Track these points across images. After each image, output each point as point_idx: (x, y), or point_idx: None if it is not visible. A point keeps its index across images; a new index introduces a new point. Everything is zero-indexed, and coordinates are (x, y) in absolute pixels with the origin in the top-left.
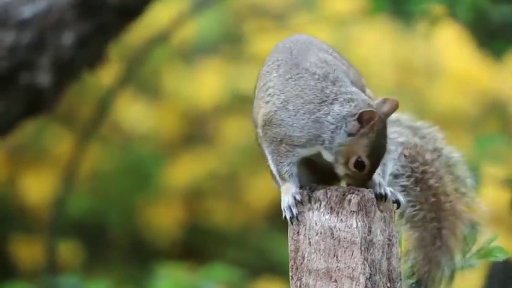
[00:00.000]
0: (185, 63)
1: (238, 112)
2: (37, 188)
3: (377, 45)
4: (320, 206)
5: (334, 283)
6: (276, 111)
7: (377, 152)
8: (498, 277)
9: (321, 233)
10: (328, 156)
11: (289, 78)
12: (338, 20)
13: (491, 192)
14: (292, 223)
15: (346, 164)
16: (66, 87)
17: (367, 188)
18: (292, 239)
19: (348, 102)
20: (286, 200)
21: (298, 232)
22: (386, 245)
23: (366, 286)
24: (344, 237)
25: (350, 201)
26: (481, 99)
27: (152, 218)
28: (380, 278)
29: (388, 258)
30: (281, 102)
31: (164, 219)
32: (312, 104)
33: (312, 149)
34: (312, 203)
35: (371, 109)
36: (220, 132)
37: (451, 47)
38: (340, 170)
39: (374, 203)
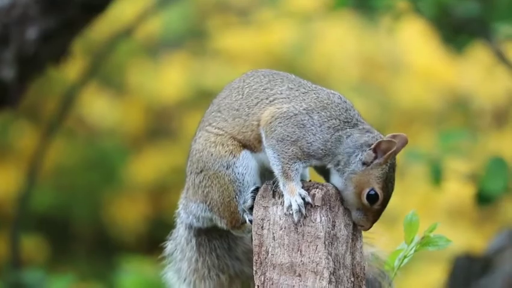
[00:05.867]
0: (149, 58)
1: (202, 107)
2: (1, 183)
3: (341, 40)
4: (284, 199)
5: (298, 277)
6: (296, 114)
7: (389, 186)
8: (461, 272)
9: (285, 228)
10: (337, 180)
11: (305, 92)
12: (302, 16)
13: (454, 187)
14: (297, 227)
15: (358, 195)
16: (30, 81)
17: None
18: (256, 233)
19: (367, 132)
20: (294, 200)
21: (262, 227)
22: (350, 240)
23: (330, 280)
24: (308, 232)
25: (314, 196)
26: (445, 94)
27: (117, 213)
28: (344, 272)
29: (352, 253)
30: (304, 109)
31: (129, 213)
32: (338, 120)
33: (322, 162)
34: (276, 198)
35: (389, 139)
36: (184, 127)
37: (414, 42)
38: (351, 201)
39: (338, 197)
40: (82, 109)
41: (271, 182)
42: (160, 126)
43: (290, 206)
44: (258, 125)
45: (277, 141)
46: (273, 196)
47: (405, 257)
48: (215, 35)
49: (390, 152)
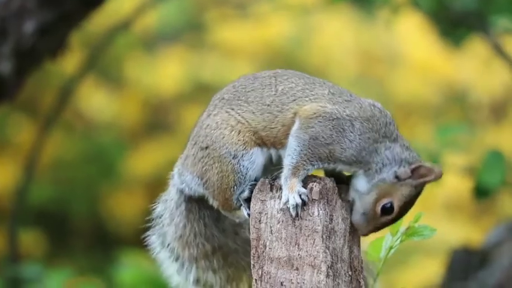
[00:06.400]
0: (147, 51)
1: (200, 100)
2: None
3: (339, 33)
4: (282, 194)
5: (296, 271)
6: (339, 118)
7: (406, 207)
8: (458, 265)
9: (282, 221)
10: (362, 184)
11: (348, 100)
12: (300, 9)
13: (452, 180)
14: (294, 221)
15: (375, 202)
16: (28, 75)
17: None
18: (254, 227)
19: (407, 149)
20: (292, 197)
21: (260, 220)
22: (348, 233)
23: (327, 274)
24: (305, 226)
25: (311, 189)
26: (442, 87)
27: (115, 206)
28: (341, 266)
29: (350, 246)
30: (347, 115)
31: (127, 207)
32: (377, 133)
33: (351, 168)
34: (274, 191)
35: (430, 167)
36: (182, 121)
37: (412, 36)
38: (364, 205)
39: (336, 191)
40: (79, 103)
41: (269, 175)
42: (158, 120)
43: (287, 201)
44: (293, 117)
45: (310, 138)
46: (271, 190)
47: (391, 247)
48: (213, 28)
49: (425, 178)
